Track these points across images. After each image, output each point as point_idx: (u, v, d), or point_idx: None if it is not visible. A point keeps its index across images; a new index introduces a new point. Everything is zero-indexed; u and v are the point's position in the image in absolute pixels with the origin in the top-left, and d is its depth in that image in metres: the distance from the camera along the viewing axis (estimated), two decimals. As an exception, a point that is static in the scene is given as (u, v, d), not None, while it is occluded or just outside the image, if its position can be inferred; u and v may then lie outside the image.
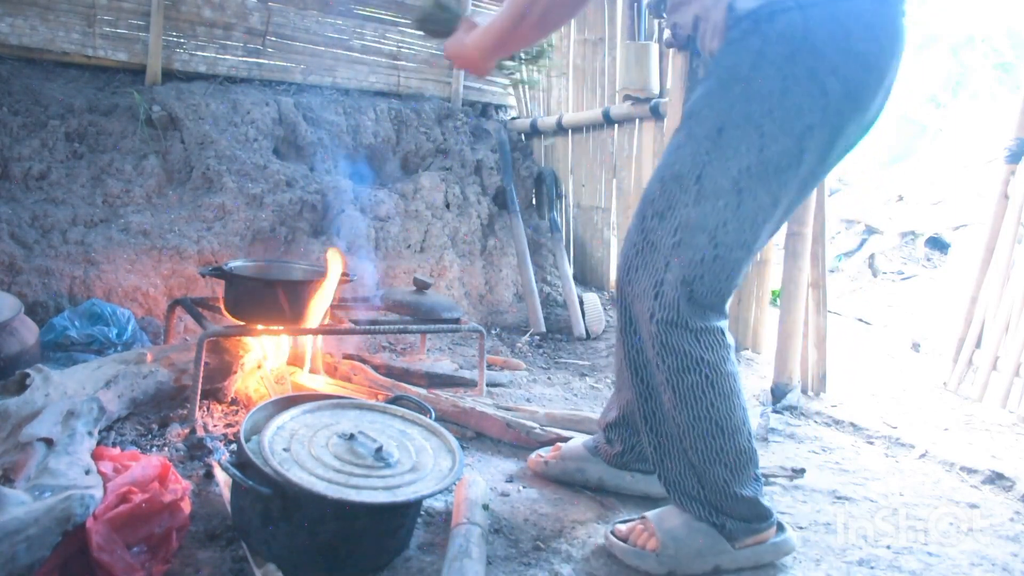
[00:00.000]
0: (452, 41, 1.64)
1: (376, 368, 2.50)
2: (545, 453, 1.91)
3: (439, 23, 1.73)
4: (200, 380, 1.99)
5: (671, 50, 3.11)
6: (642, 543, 1.49)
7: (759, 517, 1.51)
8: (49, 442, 1.47)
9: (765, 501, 1.52)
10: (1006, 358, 2.85)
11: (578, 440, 1.93)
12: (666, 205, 1.38)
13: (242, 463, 1.39)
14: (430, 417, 1.64)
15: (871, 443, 2.41)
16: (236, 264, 2.28)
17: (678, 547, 1.48)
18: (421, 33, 1.84)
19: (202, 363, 1.99)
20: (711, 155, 1.31)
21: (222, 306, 2.22)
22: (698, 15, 1.38)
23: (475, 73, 1.67)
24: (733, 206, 1.32)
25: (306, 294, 2.18)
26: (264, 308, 2.13)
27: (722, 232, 1.34)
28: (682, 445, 1.48)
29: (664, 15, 1.57)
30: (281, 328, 2.16)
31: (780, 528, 1.57)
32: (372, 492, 1.34)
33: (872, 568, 1.58)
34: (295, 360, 2.39)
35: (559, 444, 1.94)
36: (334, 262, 2.24)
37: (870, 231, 6.20)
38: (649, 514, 1.56)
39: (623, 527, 1.55)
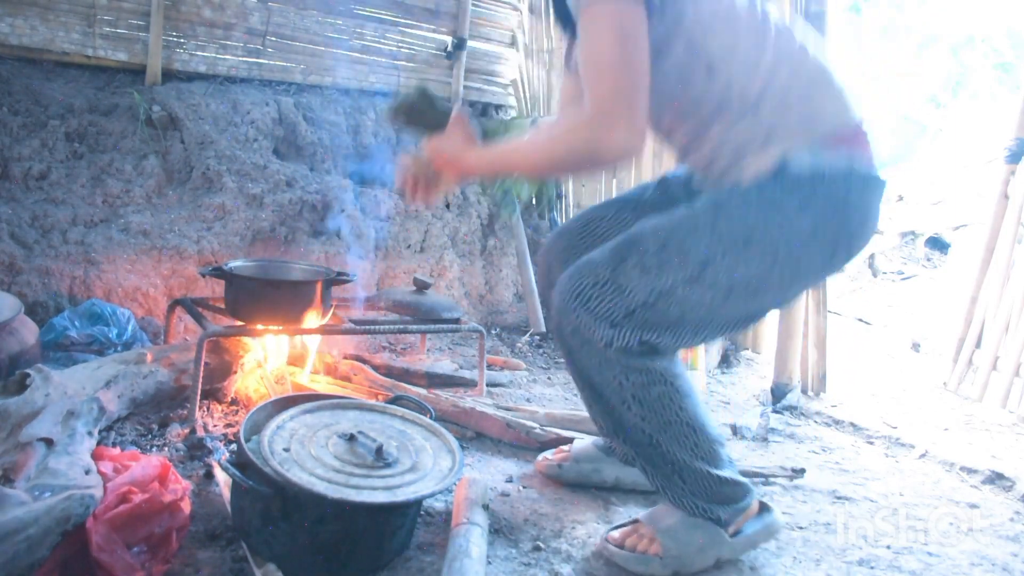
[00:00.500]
0: (444, 143, 1.52)
1: (376, 368, 2.50)
2: (552, 456, 1.90)
3: (425, 117, 1.55)
4: (200, 380, 1.99)
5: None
6: (643, 548, 1.49)
7: (743, 493, 1.55)
8: (49, 442, 1.47)
9: (740, 477, 1.55)
10: (1006, 358, 2.85)
11: (586, 440, 1.92)
12: (656, 265, 1.38)
13: (242, 463, 1.39)
14: (430, 417, 1.64)
15: (871, 443, 2.41)
16: (236, 264, 2.28)
17: (680, 547, 1.49)
18: (397, 125, 1.61)
19: (202, 363, 1.99)
20: (726, 256, 1.38)
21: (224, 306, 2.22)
22: (731, 161, 1.43)
23: (451, 177, 1.56)
24: (718, 301, 1.40)
25: (307, 294, 2.18)
26: (265, 308, 2.13)
27: (692, 315, 1.41)
28: (659, 449, 1.48)
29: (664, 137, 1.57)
30: (281, 328, 2.16)
31: (765, 508, 1.60)
32: (372, 492, 1.34)
33: (872, 568, 1.59)
34: (295, 360, 2.39)
35: (562, 448, 1.93)
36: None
37: (870, 231, 6.20)
38: (642, 517, 1.56)
39: (617, 534, 1.54)
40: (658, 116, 1.47)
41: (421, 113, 1.55)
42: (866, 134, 1.45)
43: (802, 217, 1.37)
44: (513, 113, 4.42)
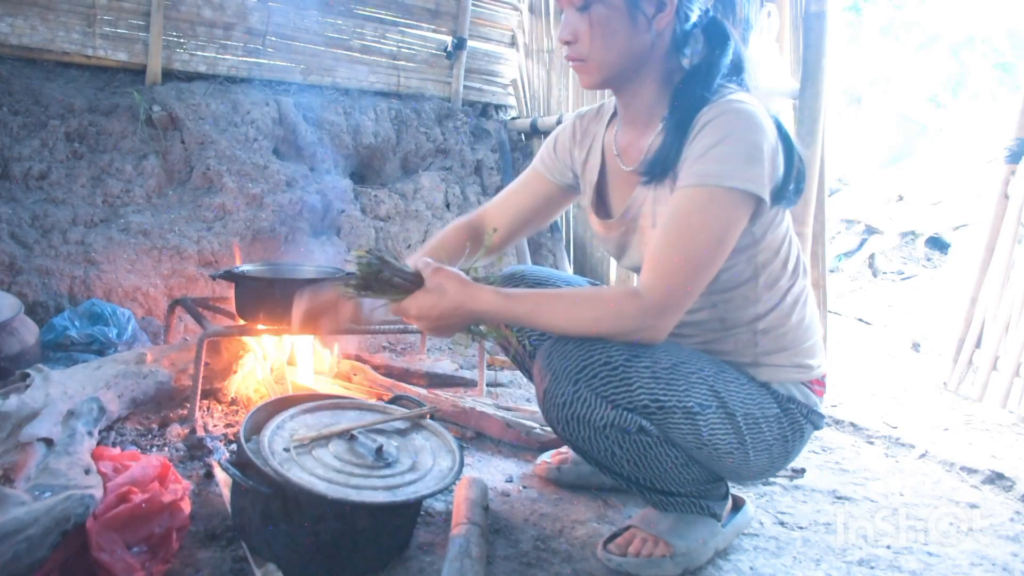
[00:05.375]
0: (436, 295, 1.31)
1: (376, 368, 2.50)
2: (550, 459, 1.90)
3: (389, 282, 1.33)
4: (200, 380, 2.00)
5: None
6: (648, 552, 1.49)
7: (726, 485, 1.60)
8: (49, 442, 1.47)
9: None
10: (1006, 358, 2.85)
11: None
12: (665, 379, 1.34)
13: (242, 463, 1.39)
14: (430, 417, 1.64)
15: (871, 443, 2.41)
16: (247, 267, 2.29)
17: (687, 543, 1.50)
18: (357, 296, 1.36)
19: (202, 363, 1.99)
20: (714, 413, 1.39)
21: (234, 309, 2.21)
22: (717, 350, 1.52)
23: (435, 333, 1.40)
24: (695, 446, 1.40)
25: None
26: (276, 308, 2.12)
27: (681, 440, 1.41)
28: (656, 486, 1.48)
29: None
30: (280, 328, 2.15)
31: (738, 501, 1.68)
32: (372, 492, 1.34)
33: (872, 568, 1.59)
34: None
35: (560, 450, 1.92)
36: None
37: (870, 231, 6.21)
38: (635, 522, 1.56)
39: (615, 545, 1.53)
40: None
41: (385, 279, 1.33)
42: (826, 376, 1.58)
43: (772, 425, 1.45)
44: (513, 113, 4.42)
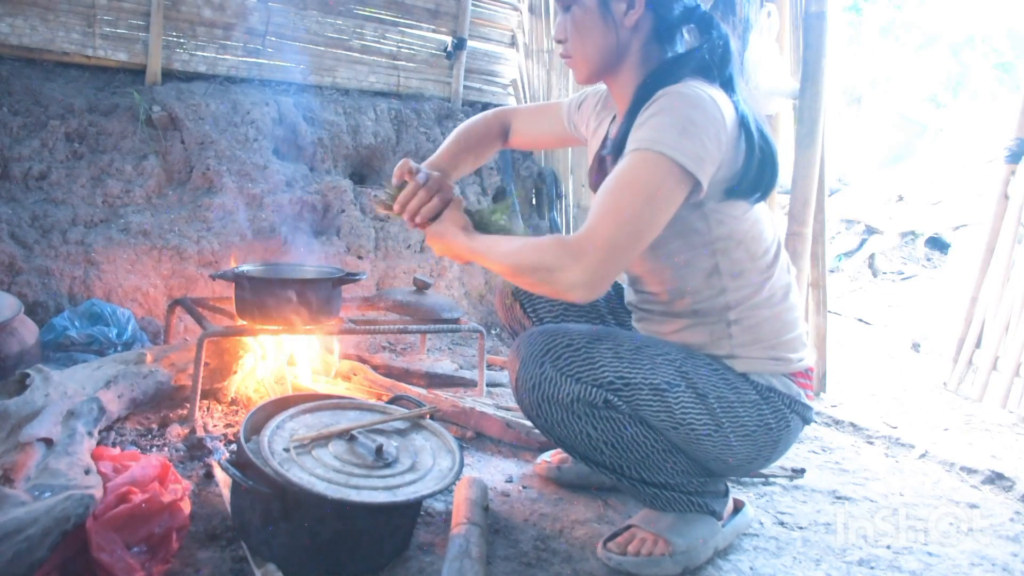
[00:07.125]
0: (442, 227, 1.51)
1: (376, 368, 2.50)
2: (550, 458, 1.90)
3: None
4: (200, 380, 2.00)
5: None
6: (648, 551, 1.50)
7: (724, 485, 1.61)
8: (49, 442, 1.47)
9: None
10: (1006, 358, 2.85)
11: None
12: (628, 359, 1.40)
13: (242, 463, 1.39)
14: (430, 417, 1.64)
15: (871, 443, 2.41)
16: (246, 268, 2.29)
17: (687, 542, 1.51)
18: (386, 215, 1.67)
19: (202, 363, 1.99)
20: (684, 393, 1.42)
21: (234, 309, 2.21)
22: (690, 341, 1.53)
23: (452, 257, 1.56)
24: (667, 425, 1.43)
25: (318, 293, 2.17)
26: (276, 309, 2.12)
27: (652, 418, 1.43)
28: (642, 477, 1.49)
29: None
30: (279, 328, 2.15)
31: (738, 503, 1.70)
32: (372, 492, 1.34)
33: (872, 568, 1.59)
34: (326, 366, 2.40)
35: (559, 451, 1.93)
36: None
37: (870, 231, 6.21)
38: (636, 521, 1.57)
39: (615, 543, 1.54)
40: (645, 264, 1.51)
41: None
42: (813, 371, 1.58)
43: (751, 411, 1.46)
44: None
